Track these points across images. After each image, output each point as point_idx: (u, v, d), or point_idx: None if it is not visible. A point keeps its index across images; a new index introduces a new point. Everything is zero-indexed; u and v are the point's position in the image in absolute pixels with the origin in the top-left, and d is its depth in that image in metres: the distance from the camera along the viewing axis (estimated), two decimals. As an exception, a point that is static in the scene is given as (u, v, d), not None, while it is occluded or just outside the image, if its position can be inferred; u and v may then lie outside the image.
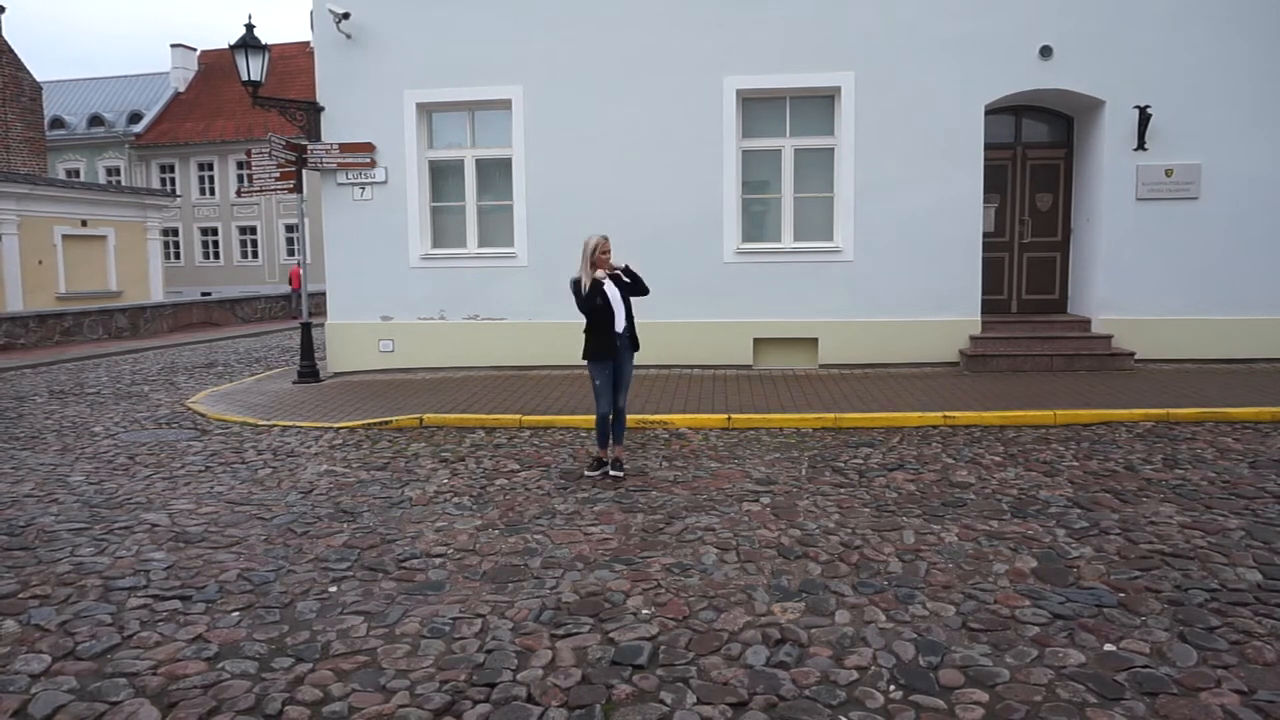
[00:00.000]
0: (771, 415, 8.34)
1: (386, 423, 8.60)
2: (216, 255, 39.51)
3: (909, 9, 10.58)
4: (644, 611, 4.08)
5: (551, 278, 10.29)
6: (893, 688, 3.34)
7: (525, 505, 5.86)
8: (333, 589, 4.44)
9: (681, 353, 11.14)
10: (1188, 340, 10.66)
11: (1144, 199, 10.61)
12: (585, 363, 6.53)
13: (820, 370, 10.88)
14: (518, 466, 6.95)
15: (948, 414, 8.17)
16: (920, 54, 10.57)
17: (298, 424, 8.71)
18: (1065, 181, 11.54)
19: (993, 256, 11.42)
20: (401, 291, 11.53)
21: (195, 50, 42.51)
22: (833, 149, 10.97)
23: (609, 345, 6.37)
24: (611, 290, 6.34)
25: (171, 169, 39.51)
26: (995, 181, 11.29)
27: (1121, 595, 4.12)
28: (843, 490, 6.05)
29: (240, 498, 6.18)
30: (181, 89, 41.31)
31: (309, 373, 11.38)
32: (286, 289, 28.09)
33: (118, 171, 39.63)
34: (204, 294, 32.74)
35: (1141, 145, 10.48)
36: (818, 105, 11.04)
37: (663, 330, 10.99)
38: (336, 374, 11.74)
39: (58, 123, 39.45)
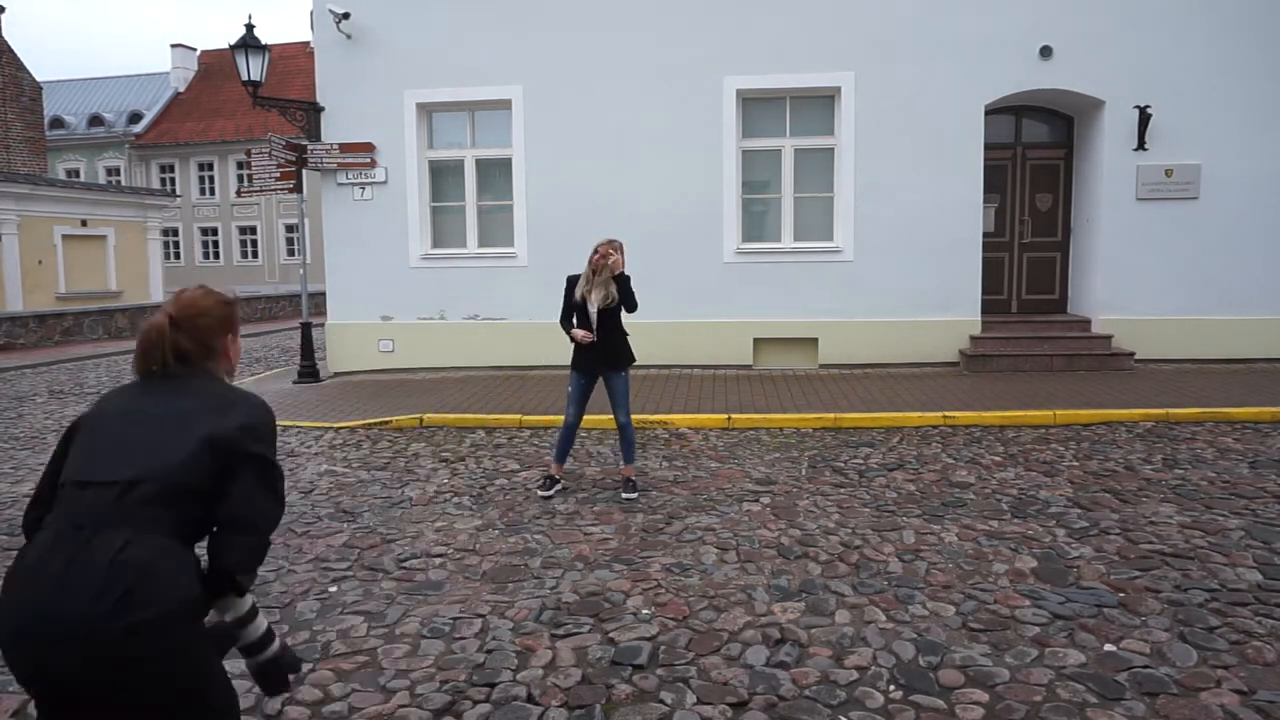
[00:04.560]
0: (771, 415, 8.34)
1: (386, 423, 8.60)
2: (216, 255, 39.51)
3: (909, 9, 10.58)
4: (644, 611, 4.08)
5: (552, 278, 10.20)
6: (893, 688, 3.34)
7: (525, 505, 5.86)
8: (333, 589, 4.44)
9: (681, 353, 11.14)
10: (1188, 340, 10.66)
11: (1144, 199, 10.61)
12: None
13: (820, 370, 10.88)
14: (518, 466, 6.95)
15: (948, 414, 8.17)
16: (920, 54, 10.57)
17: (298, 424, 8.71)
18: (1065, 181, 11.54)
19: (993, 256, 11.41)
20: (401, 291, 11.53)
21: (195, 50, 42.49)
22: (833, 149, 10.97)
23: (580, 353, 6.06)
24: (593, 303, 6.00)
25: (171, 169, 39.51)
26: (995, 181, 11.29)
27: (1121, 595, 4.12)
28: (843, 490, 6.05)
29: (240, 498, 6.17)
30: (181, 89, 41.31)
31: (309, 373, 11.38)
32: (287, 289, 27.94)
33: (118, 171, 39.62)
34: (204, 294, 32.66)
35: (1141, 145, 10.48)
36: (818, 105, 11.04)
37: (663, 330, 10.99)
38: (336, 374, 11.74)
39: (58, 123, 39.43)
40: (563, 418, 6.28)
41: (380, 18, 11.26)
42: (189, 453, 1.97)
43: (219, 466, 1.99)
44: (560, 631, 3.88)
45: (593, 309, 5.98)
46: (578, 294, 6.04)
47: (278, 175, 11.32)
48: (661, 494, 6.05)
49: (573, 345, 6.09)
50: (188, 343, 2.13)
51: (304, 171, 11.33)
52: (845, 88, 10.72)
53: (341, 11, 11.05)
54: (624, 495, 6.00)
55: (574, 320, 6.09)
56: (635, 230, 10.81)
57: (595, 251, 5.99)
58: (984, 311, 10.94)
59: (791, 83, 10.86)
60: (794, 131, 11.08)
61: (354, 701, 3.32)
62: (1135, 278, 10.66)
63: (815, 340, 11.04)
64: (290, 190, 11.32)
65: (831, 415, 8.23)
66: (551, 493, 6.06)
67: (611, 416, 6.22)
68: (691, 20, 10.84)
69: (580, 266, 6.16)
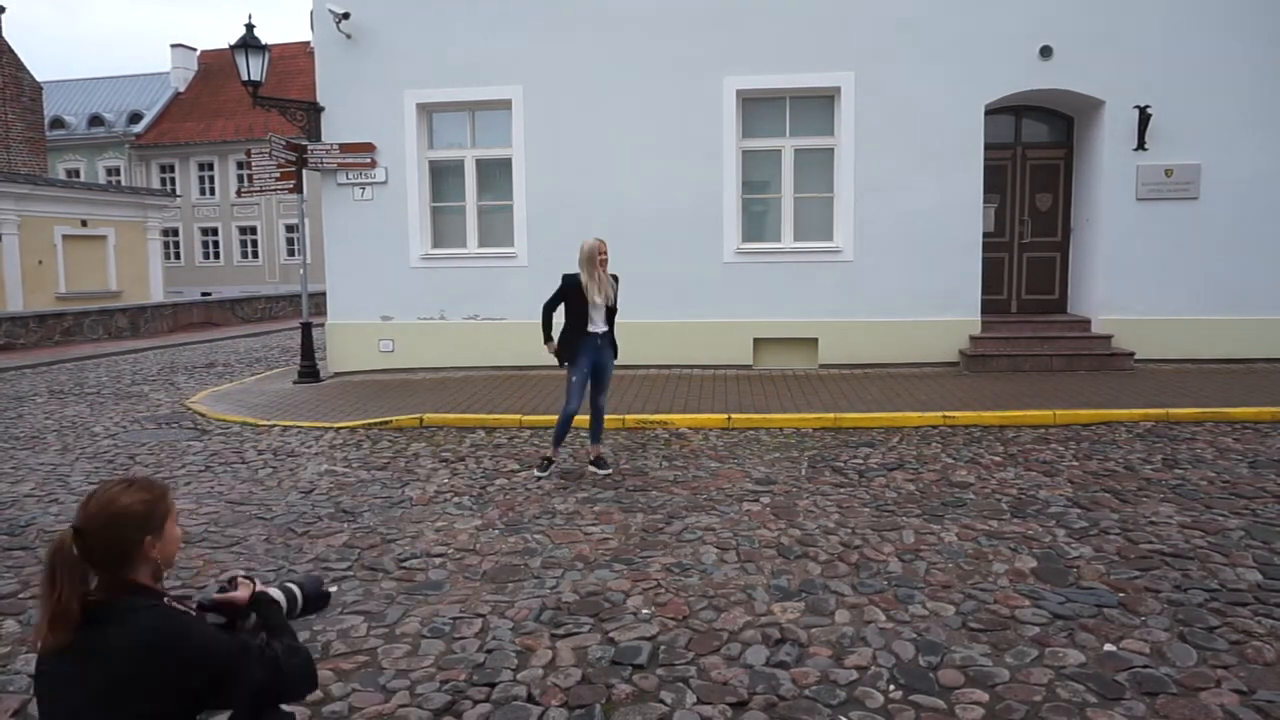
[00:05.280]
0: (771, 415, 8.34)
1: (386, 423, 8.60)
2: (216, 255, 39.50)
3: (909, 9, 10.58)
4: (644, 611, 4.08)
5: (552, 278, 10.17)
6: (893, 688, 3.34)
7: (525, 505, 5.86)
8: (333, 589, 4.44)
9: (681, 353, 11.14)
10: (1188, 340, 10.65)
11: (1144, 199, 10.60)
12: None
13: (820, 370, 10.88)
14: (518, 466, 6.95)
15: (948, 414, 8.17)
16: (920, 54, 10.56)
17: (298, 424, 8.71)
18: (1065, 181, 11.54)
19: (993, 256, 11.41)
20: (401, 291, 11.53)
21: (195, 50, 42.45)
22: (833, 149, 10.96)
23: (587, 344, 6.49)
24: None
25: (171, 169, 39.49)
26: (995, 181, 11.29)
27: (1121, 595, 4.12)
28: (843, 490, 6.05)
29: (240, 497, 6.18)
30: (181, 89, 41.29)
31: (309, 373, 11.38)
32: (287, 289, 27.90)
33: (118, 171, 39.59)
34: (204, 294, 32.72)
35: (1141, 145, 10.48)
36: (818, 105, 11.03)
37: (662, 330, 11.00)
38: (337, 374, 11.74)
39: (58, 123, 39.40)
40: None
41: (380, 18, 11.25)
42: None
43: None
44: (560, 631, 3.88)
45: (601, 301, 6.53)
46: (588, 295, 6.46)
47: (278, 175, 11.32)
48: (661, 494, 6.05)
49: (579, 337, 6.51)
50: (99, 559, 1.86)
51: (304, 171, 11.33)
52: (845, 88, 10.72)
53: (341, 11, 11.05)
54: (599, 472, 6.57)
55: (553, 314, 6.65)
56: (635, 230, 10.86)
57: (590, 250, 6.52)
58: (984, 311, 10.93)
59: (791, 83, 10.85)
60: (794, 131, 11.08)
61: (354, 701, 3.32)
62: (1135, 278, 10.65)
63: (815, 340, 11.04)
64: (290, 190, 11.32)
65: (831, 415, 8.23)
66: (547, 473, 6.51)
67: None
68: (691, 20, 10.83)
69: None
